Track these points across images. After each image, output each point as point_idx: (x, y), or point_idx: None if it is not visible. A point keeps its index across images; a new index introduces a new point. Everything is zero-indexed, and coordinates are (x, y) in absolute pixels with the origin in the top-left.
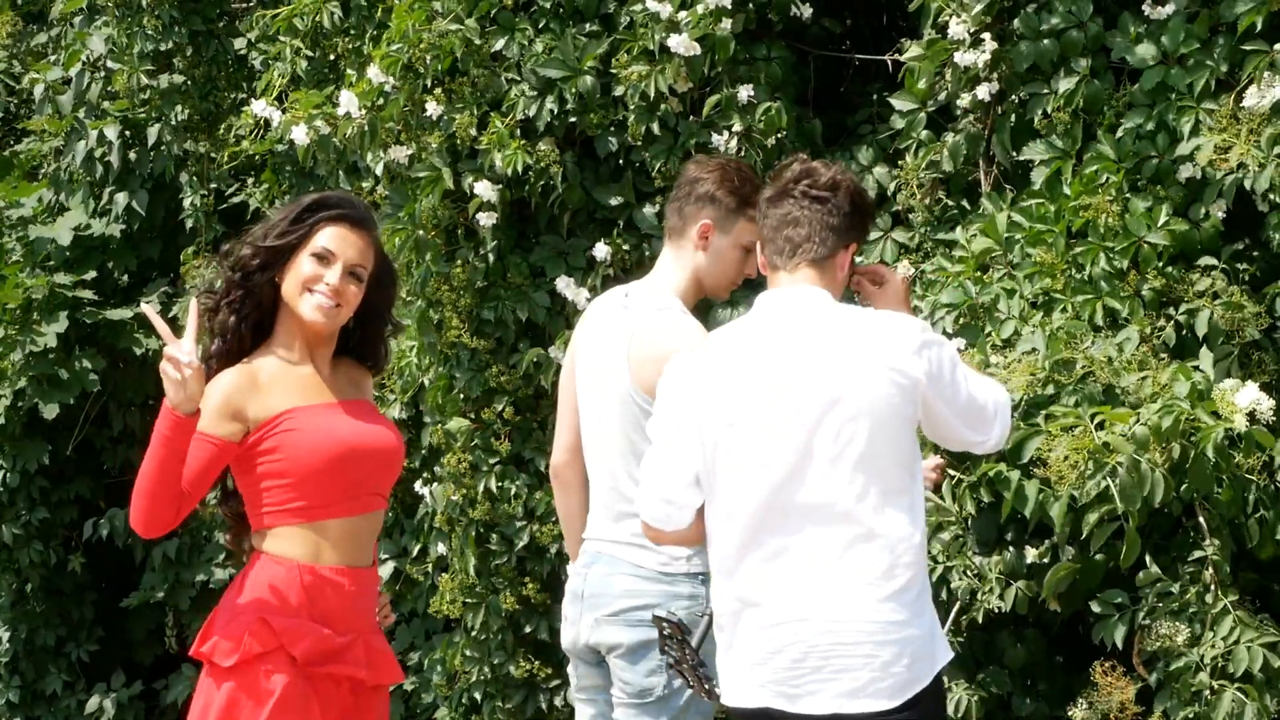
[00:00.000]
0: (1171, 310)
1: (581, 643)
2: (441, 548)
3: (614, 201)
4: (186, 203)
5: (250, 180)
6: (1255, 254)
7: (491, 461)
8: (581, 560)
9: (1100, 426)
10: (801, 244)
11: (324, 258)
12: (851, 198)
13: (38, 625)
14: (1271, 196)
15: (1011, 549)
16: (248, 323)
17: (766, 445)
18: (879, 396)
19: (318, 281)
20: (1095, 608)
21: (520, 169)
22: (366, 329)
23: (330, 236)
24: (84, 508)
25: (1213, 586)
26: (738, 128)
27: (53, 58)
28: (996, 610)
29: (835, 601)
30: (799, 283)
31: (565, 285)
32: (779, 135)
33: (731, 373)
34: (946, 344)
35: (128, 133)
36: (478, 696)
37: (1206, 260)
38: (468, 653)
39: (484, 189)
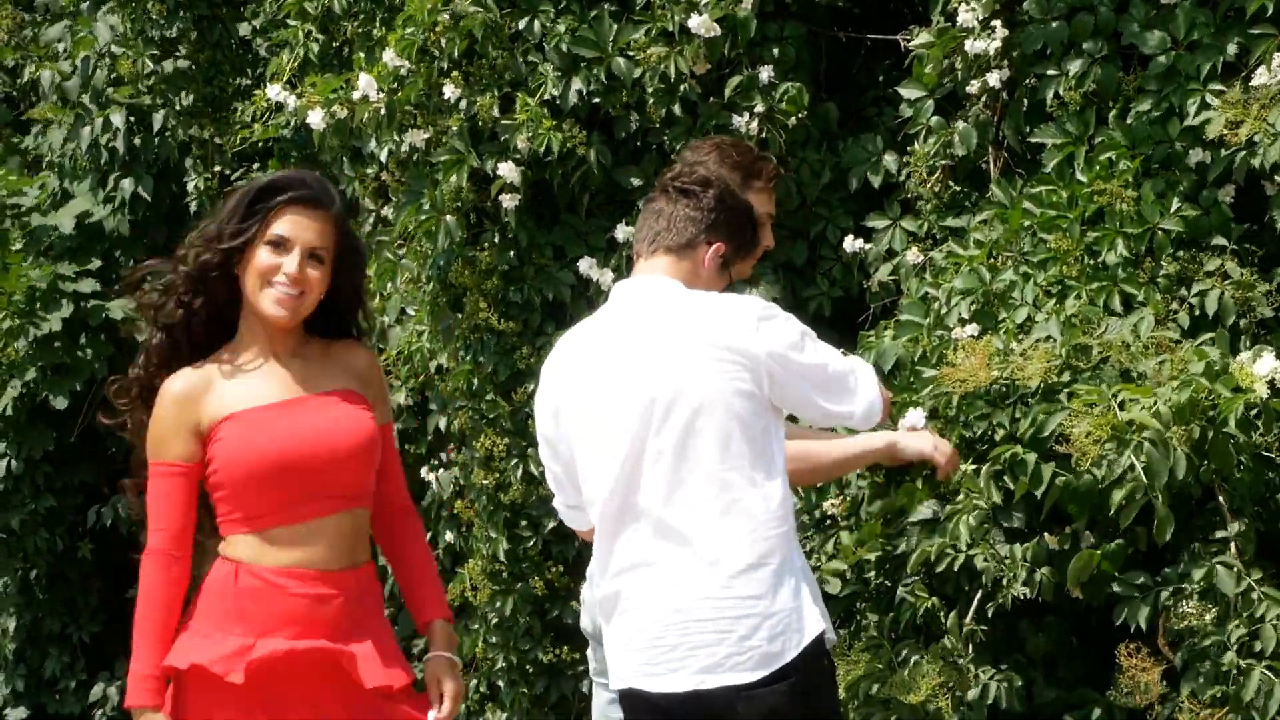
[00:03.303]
0: (1184, 292)
1: (598, 626)
2: (449, 535)
3: (634, 182)
4: (190, 186)
5: (255, 165)
6: (1263, 236)
7: (523, 444)
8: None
9: (1121, 406)
10: (660, 232)
11: (279, 245)
12: (721, 197)
13: (43, 613)
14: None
15: (1035, 536)
16: (198, 318)
17: (604, 444)
18: (712, 382)
19: (275, 272)
20: (1117, 588)
21: (548, 149)
22: (339, 310)
23: (285, 223)
24: (89, 494)
25: (1236, 567)
26: (759, 109)
27: (59, 44)
28: (1022, 597)
29: (690, 581)
30: (653, 271)
31: (588, 266)
32: (800, 116)
33: (573, 373)
34: (789, 317)
35: (133, 119)
36: (500, 684)
37: (1217, 241)
38: (491, 639)
39: (507, 170)
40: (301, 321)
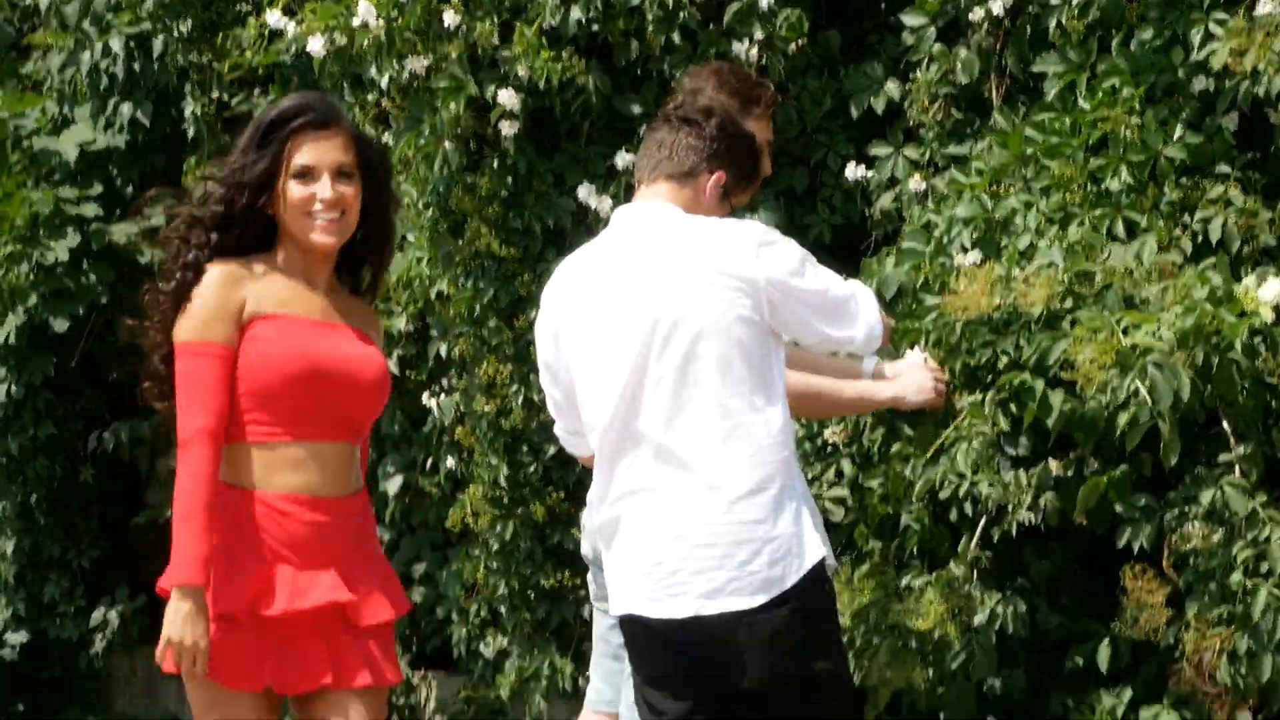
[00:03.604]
0: (1187, 219)
1: (601, 551)
2: (451, 461)
3: (634, 110)
4: (188, 112)
5: (257, 91)
6: (1267, 165)
7: (524, 370)
8: None
9: (1125, 332)
10: (662, 160)
11: (306, 174)
12: (723, 126)
13: (43, 538)
14: None
15: (1039, 462)
16: (230, 238)
17: (605, 369)
18: (713, 307)
19: (310, 203)
20: (1120, 510)
21: (548, 79)
22: (370, 226)
23: (304, 152)
24: (90, 420)
25: (1242, 488)
26: (759, 35)
27: None
28: (1026, 524)
29: (690, 506)
30: (653, 197)
31: (587, 193)
32: (800, 43)
33: (573, 298)
34: (790, 242)
35: (132, 44)
36: (502, 610)
37: (1221, 169)
38: (493, 565)
39: (507, 97)
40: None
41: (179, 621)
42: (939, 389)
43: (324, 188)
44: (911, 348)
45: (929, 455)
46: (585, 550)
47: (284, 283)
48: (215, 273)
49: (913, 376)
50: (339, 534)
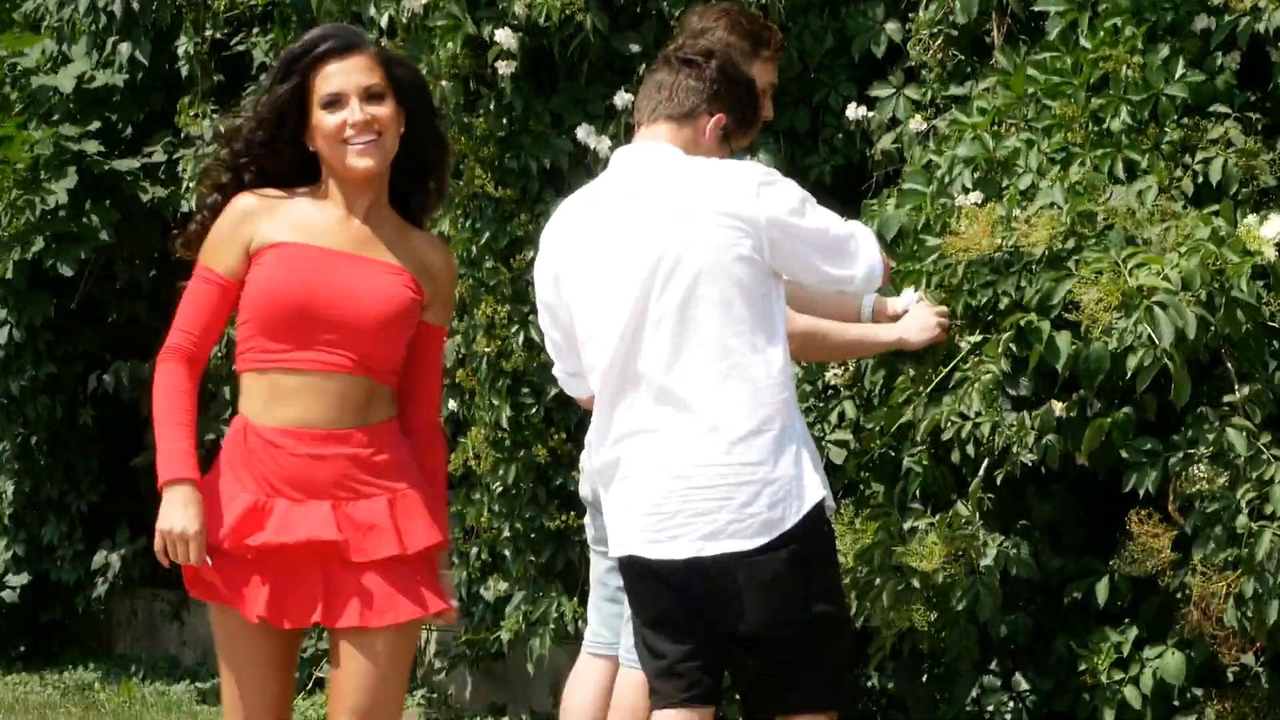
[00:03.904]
0: (1188, 159)
1: (599, 493)
2: (452, 404)
3: (633, 49)
4: (181, 51)
5: (255, 30)
6: (1267, 105)
7: (524, 310)
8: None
9: (1130, 273)
10: (662, 101)
11: (333, 102)
12: (723, 69)
13: (42, 479)
14: None
15: (1042, 403)
16: (270, 174)
17: (605, 310)
18: (713, 247)
19: (342, 130)
20: (1125, 455)
21: (546, 16)
22: (415, 145)
23: (327, 79)
24: (90, 361)
25: (1246, 430)
26: None
27: None
28: (1029, 465)
29: (690, 448)
30: (653, 138)
31: (586, 134)
32: None
33: (573, 239)
34: (789, 182)
35: None
36: (505, 553)
37: (1221, 108)
38: (495, 508)
39: (504, 36)
40: (385, 195)
41: (167, 513)
42: (942, 324)
43: (353, 112)
44: (911, 289)
45: (926, 394)
46: (584, 492)
47: (315, 213)
48: (232, 204)
49: (914, 317)
50: (342, 465)
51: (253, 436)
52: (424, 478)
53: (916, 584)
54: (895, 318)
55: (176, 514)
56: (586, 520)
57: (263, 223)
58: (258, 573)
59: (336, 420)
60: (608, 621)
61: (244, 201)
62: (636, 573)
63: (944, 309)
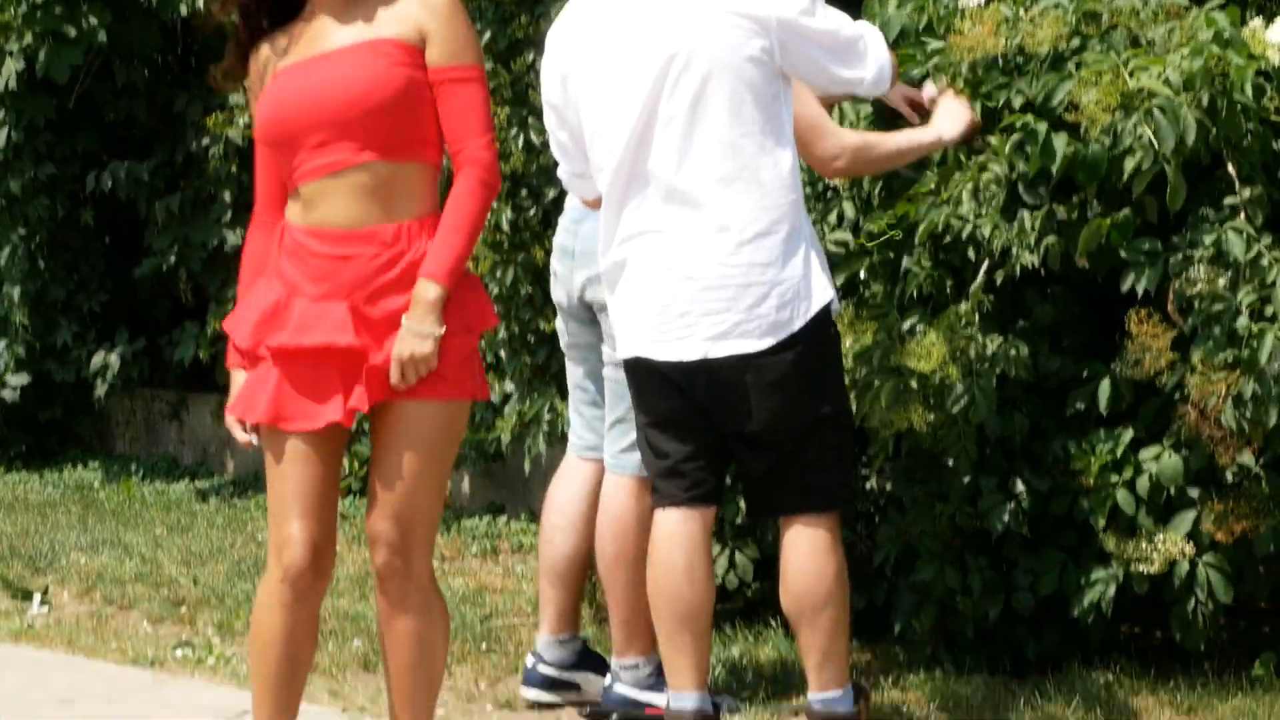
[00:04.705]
0: None
1: (575, 299)
2: None
3: None
4: None
5: None
6: None
7: (523, 113)
8: (570, 215)
9: (1131, 74)
10: None
11: None
12: None
13: (46, 280)
14: None
15: (1043, 205)
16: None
17: (614, 110)
18: (724, 47)
19: None
20: (1124, 255)
21: None
22: None
23: None
24: (88, 162)
25: (1247, 232)
26: None
27: None
28: (1029, 267)
29: (699, 247)
30: None
31: None
32: None
33: (582, 38)
34: None
35: None
36: (503, 354)
37: None
38: (495, 309)
39: None
40: None
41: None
42: (974, 113)
43: None
44: (930, 83)
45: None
46: (558, 297)
47: (297, 32)
48: (252, 60)
49: (945, 111)
50: (366, 264)
51: (287, 237)
52: (446, 214)
53: (914, 385)
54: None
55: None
56: (559, 325)
57: (267, 64)
58: (272, 372)
59: (359, 218)
60: (591, 425)
61: (259, 54)
62: (643, 374)
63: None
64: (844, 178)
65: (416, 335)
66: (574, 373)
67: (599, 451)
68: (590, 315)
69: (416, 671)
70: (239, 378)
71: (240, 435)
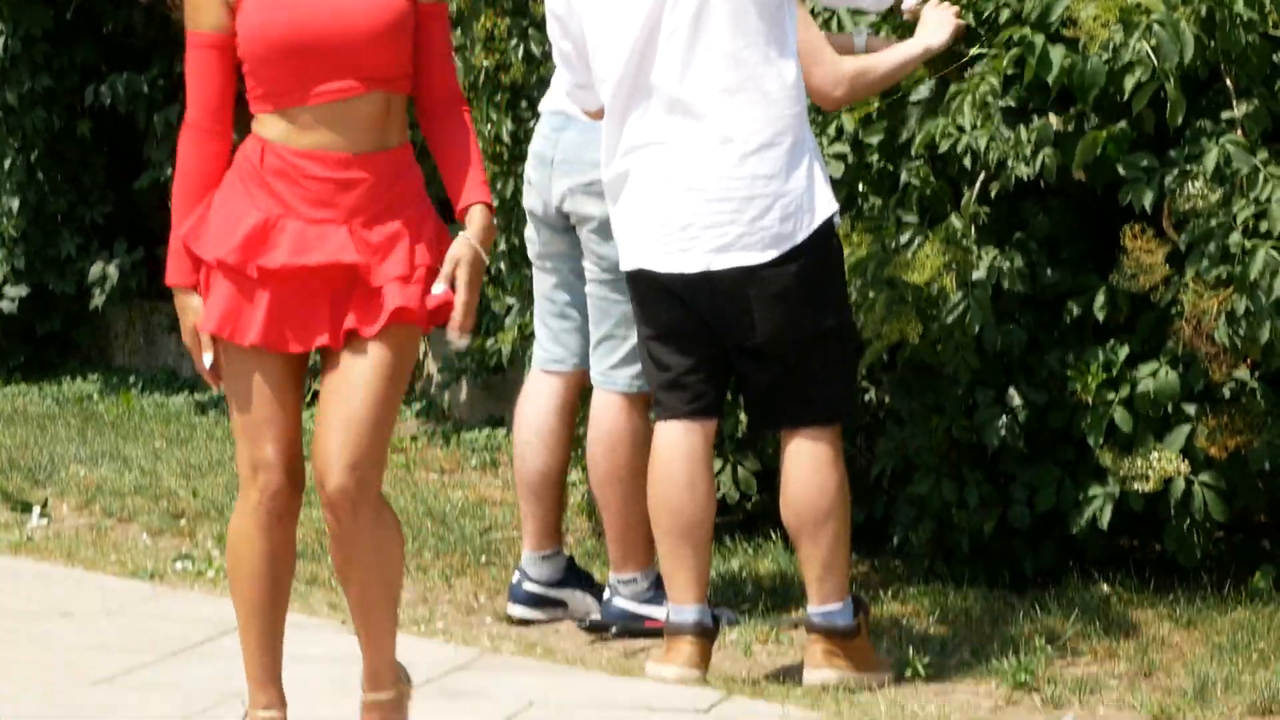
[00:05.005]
0: None
1: (552, 209)
2: None
3: None
4: None
5: None
6: None
7: (523, 23)
8: (549, 124)
9: None
10: None
11: None
12: None
13: (45, 192)
14: None
15: (1038, 117)
16: None
17: (617, 20)
18: None
19: None
20: (1122, 170)
21: None
22: None
23: None
24: (86, 73)
25: (1243, 146)
26: None
27: None
28: (1025, 179)
29: (702, 159)
30: None
31: None
32: None
33: None
34: None
35: None
36: (503, 267)
37: None
38: (493, 221)
39: None
40: None
41: (181, 324)
42: (957, 15)
43: None
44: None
45: (925, 104)
46: (529, 204)
47: None
48: None
49: (929, 19)
50: (364, 190)
51: (271, 157)
52: (454, 147)
53: (909, 298)
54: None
55: (183, 326)
56: (529, 234)
57: None
58: (262, 293)
59: (356, 142)
60: (557, 337)
61: None
62: (646, 285)
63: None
64: (842, 107)
65: (473, 248)
66: (543, 283)
67: (564, 365)
68: (566, 225)
69: (372, 589)
70: (194, 300)
71: (206, 357)
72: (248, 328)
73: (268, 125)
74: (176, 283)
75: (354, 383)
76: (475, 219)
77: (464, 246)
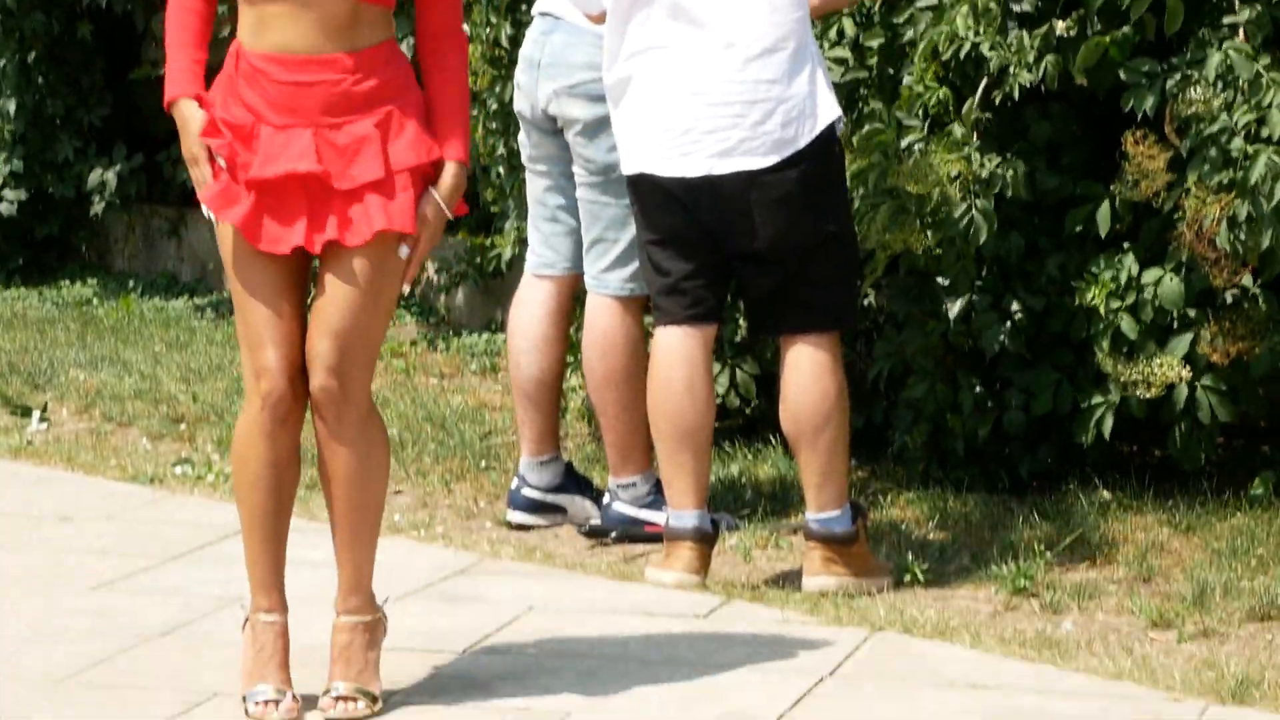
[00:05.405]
0: None
1: (539, 111)
2: None
3: None
4: None
5: None
6: None
7: None
8: (539, 27)
9: None
10: None
11: None
12: None
13: (44, 94)
14: None
15: (1043, 22)
16: None
17: None
18: None
19: None
20: (1124, 76)
21: None
22: None
23: None
24: None
25: (1246, 52)
26: None
27: None
28: (1028, 85)
29: (704, 63)
30: None
31: None
32: None
33: None
34: None
35: None
36: (501, 171)
37: None
38: (492, 125)
39: None
40: None
41: (182, 139)
42: None
43: None
44: None
45: (930, 10)
46: (519, 107)
47: None
48: None
49: None
50: (327, 90)
51: (243, 62)
52: (439, 87)
53: (911, 207)
54: None
55: (184, 139)
56: (521, 139)
57: None
58: (253, 196)
59: (319, 45)
60: (549, 241)
61: None
62: (647, 190)
63: None
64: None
65: (438, 206)
66: (535, 186)
67: (555, 269)
68: (554, 127)
69: (353, 500)
70: (195, 110)
71: (205, 170)
72: (236, 209)
73: (244, 20)
74: (176, 94)
75: (336, 291)
76: (446, 176)
77: (429, 204)
